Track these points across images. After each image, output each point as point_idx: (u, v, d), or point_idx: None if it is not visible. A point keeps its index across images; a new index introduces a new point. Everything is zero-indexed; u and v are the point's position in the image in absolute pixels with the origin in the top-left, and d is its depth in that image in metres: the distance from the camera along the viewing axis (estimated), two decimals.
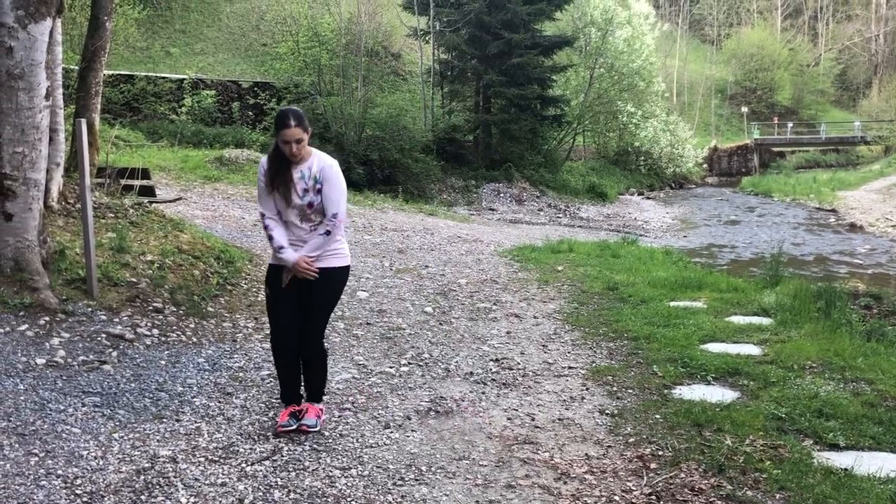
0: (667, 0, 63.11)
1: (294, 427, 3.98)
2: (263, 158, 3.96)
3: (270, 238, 3.89)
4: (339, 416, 4.29)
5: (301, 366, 4.07)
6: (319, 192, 3.83)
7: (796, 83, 55.77)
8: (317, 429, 4.00)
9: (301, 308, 3.95)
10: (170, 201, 10.54)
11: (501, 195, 22.28)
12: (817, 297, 7.31)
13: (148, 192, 9.48)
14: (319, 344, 4.05)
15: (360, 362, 5.37)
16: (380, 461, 3.71)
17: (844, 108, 58.98)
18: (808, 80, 57.56)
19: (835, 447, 3.90)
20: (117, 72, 21.08)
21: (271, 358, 5.24)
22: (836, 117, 54.52)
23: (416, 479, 3.52)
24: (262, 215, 3.93)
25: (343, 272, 4.04)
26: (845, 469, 3.58)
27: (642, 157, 34.66)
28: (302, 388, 4.14)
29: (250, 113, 23.02)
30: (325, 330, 4.11)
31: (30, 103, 5.24)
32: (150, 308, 5.67)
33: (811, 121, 52.45)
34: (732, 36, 60.32)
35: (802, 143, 47.85)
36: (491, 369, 5.31)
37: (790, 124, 48.47)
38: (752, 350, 5.66)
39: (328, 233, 3.85)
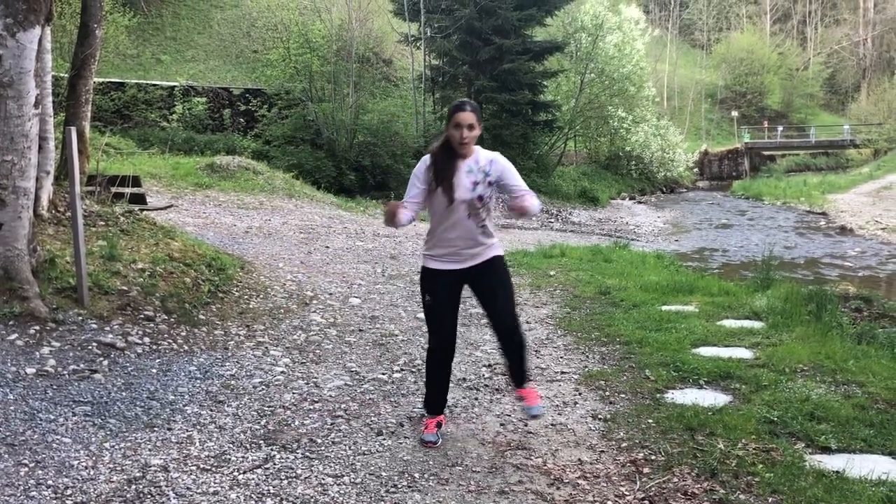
0: (657, 5, 63.43)
1: (440, 442, 3.99)
2: (424, 157, 3.93)
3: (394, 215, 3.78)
4: (332, 424, 4.27)
5: (507, 353, 4.11)
6: (491, 184, 3.86)
7: (786, 87, 56.13)
8: (543, 412, 4.07)
9: (485, 295, 4.02)
10: (161, 209, 10.51)
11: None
12: (808, 300, 7.33)
13: (139, 199, 9.43)
14: (519, 325, 4.10)
15: (353, 369, 5.36)
16: (372, 468, 3.70)
17: (833, 111, 59.37)
18: (798, 84, 57.94)
19: (826, 450, 3.91)
20: (108, 79, 21.03)
21: (262, 366, 5.24)
22: (826, 121, 54.89)
23: (409, 486, 3.51)
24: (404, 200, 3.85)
25: (503, 259, 4.08)
26: (837, 471, 3.58)
27: (633, 162, 34.79)
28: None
29: (241, 120, 22.99)
30: (516, 313, 4.12)
31: (19, 111, 5.22)
32: (142, 316, 5.65)
33: (801, 124, 52.76)
34: (722, 41, 60.71)
35: (792, 147, 48.12)
36: (484, 375, 5.31)
37: (780, 128, 48.76)
38: (743, 353, 5.67)
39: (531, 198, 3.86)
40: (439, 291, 3.97)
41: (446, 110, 3.91)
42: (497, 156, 3.94)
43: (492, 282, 4.00)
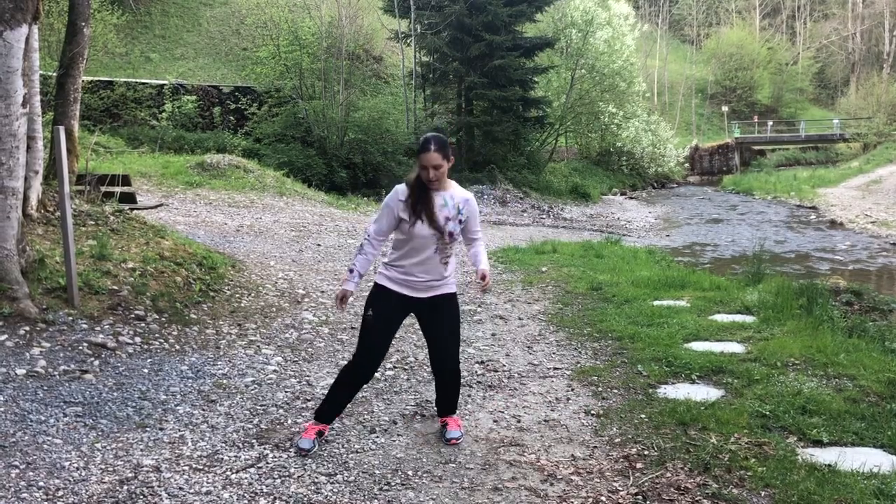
0: (646, 0, 63.49)
1: (315, 449, 3.87)
2: (400, 185, 3.89)
3: (357, 255, 3.90)
4: None
5: (437, 385, 4.16)
6: (461, 222, 3.87)
7: (775, 82, 56.30)
8: (460, 439, 4.06)
9: (433, 332, 3.99)
10: (151, 208, 10.46)
11: (485, 197, 22.28)
12: (799, 294, 7.36)
13: (129, 198, 9.38)
14: (458, 368, 4.09)
15: None
16: (366, 466, 3.69)
17: (823, 105, 59.60)
18: (787, 78, 58.14)
19: (818, 443, 3.93)
20: (97, 78, 20.89)
21: (254, 364, 5.22)
22: (816, 115, 55.08)
23: (403, 484, 3.50)
24: (368, 235, 3.89)
25: (456, 297, 4.08)
26: (829, 465, 3.60)
27: (624, 158, 34.85)
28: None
29: (231, 118, 22.89)
30: (458, 355, 4.12)
31: (6, 111, 5.18)
32: (132, 316, 5.62)
33: (791, 119, 52.93)
34: (712, 36, 60.86)
35: (783, 142, 48.29)
36: (476, 372, 5.31)
37: (770, 123, 48.91)
38: (735, 348, 5.69)
39: (479, 244, 4.07)
40: (385, 310, 3.89)
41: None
42: (471, 198, 3.97)
43: (442, 322, 3.96)
